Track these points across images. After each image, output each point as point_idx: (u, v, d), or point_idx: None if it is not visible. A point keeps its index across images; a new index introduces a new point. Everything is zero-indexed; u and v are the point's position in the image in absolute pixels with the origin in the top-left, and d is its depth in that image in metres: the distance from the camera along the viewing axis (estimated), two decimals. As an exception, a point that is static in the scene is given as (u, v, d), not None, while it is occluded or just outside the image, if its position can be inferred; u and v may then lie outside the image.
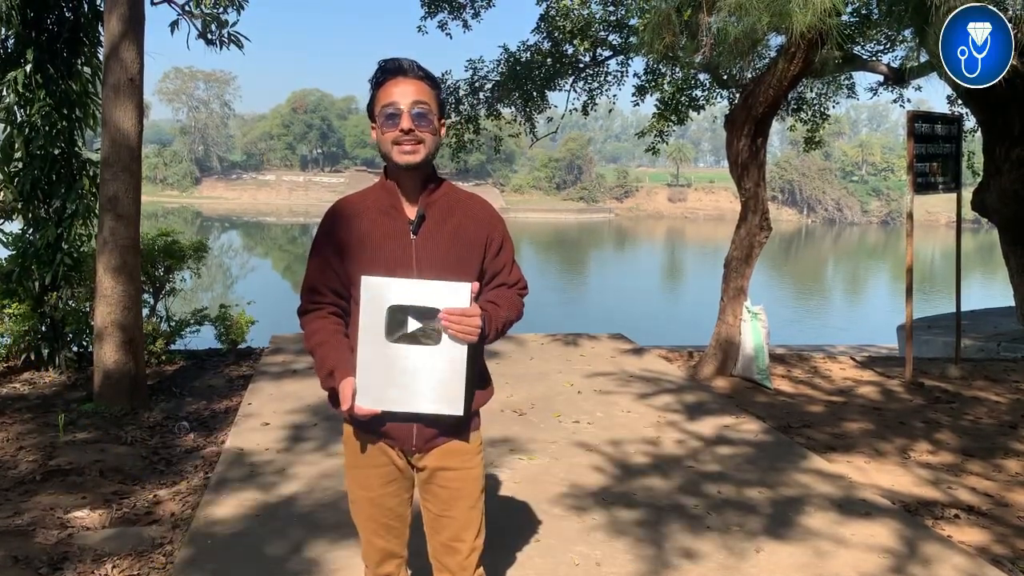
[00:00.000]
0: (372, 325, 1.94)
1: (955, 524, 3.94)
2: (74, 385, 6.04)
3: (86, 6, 6.32)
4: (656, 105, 10.60)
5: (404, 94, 2.01)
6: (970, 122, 9.73)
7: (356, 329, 2.03)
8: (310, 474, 4.31)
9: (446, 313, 1.92)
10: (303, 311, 2.15)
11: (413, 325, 1.94)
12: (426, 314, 1.93)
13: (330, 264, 2.09)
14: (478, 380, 2.14)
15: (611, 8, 10.11)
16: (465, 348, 1.96)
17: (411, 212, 2.07)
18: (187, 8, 6.87)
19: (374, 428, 2.09)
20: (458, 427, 2.13)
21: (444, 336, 1.94)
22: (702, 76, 10.71)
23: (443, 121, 2.12)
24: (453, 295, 1.93)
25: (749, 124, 6.59)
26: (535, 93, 10.88)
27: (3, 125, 6.26)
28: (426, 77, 2.06)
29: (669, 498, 4.11)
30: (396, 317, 1.93)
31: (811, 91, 11.69)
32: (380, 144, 2.05)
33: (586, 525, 3.76)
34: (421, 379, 1.96)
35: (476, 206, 2.15)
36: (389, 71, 2.04)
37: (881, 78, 9.90)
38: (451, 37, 11.45)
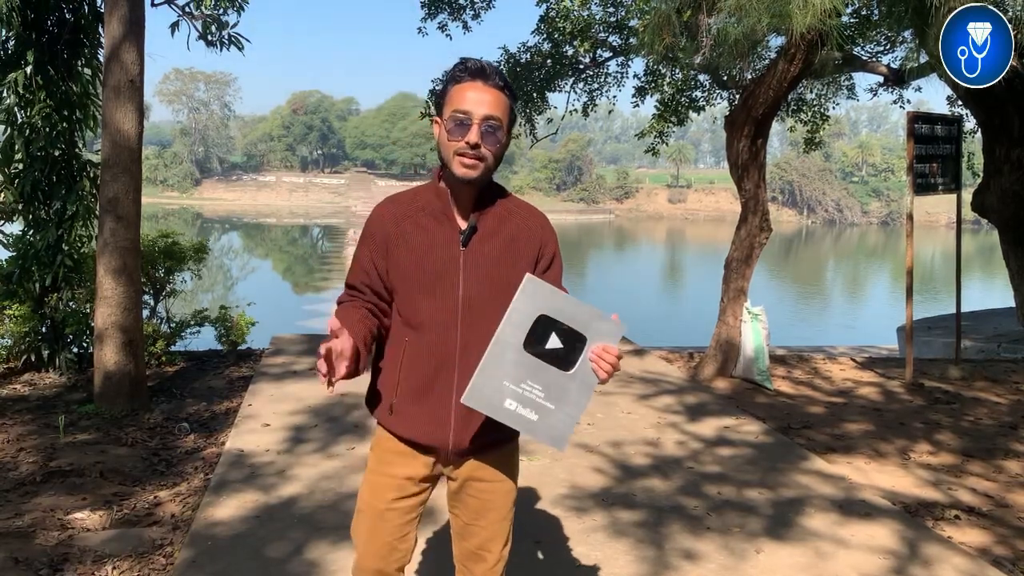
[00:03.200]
0: (514, 327, 1.81)
1: (956, 525, 3.94)
2: (74, 386, 6.03)
3: (86, 8, 6.33)
4: (656, 106, 10.60)
5: (480, 103, 1.90)
6: (970, 123, 9.73)
7: (395, 337, 2.01)
8: (311, 475, 4.31)
9: (603, 350, 1.81)
10: (339, 301, 2.07)
11: (554, 343, 1.82)
12: (572, 337, 1.82)
13: (373, 264, 2.02)
14: None
15: (611, 9, 10.13)
16: (595, 385, 1.84)
17: (462, 221, 1.99)
18: (187, 10, 6.87)
19: (408, 436, 2.03)
20: (497, 437, 2.05)
21: (578, 366, 1.83)
22: (702, 77, 10.72)
23: (512, 134, 2.03)
24: (606, 330, 1.83)
25: (749, 125, 6.60)
26: (535, 94, 10.89)
27: (3, 127, 6.26)
28: (505, 87, 1.96)
29: (669, 499, 4.11)
30: (541, 328, 1.81)
31: (811, 92, 11.69)
32: (441, 146, 1.96)
33: (586, 526, 3.76)
34: (542, 402, 1.83)
35: (530, 216, 2.07)
36: (470, 72, 1.93)
37: (881, 79, 9.90)
38: (451, 38, 11.46)
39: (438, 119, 1.99)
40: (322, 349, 1.73)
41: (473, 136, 1.90)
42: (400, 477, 2.08)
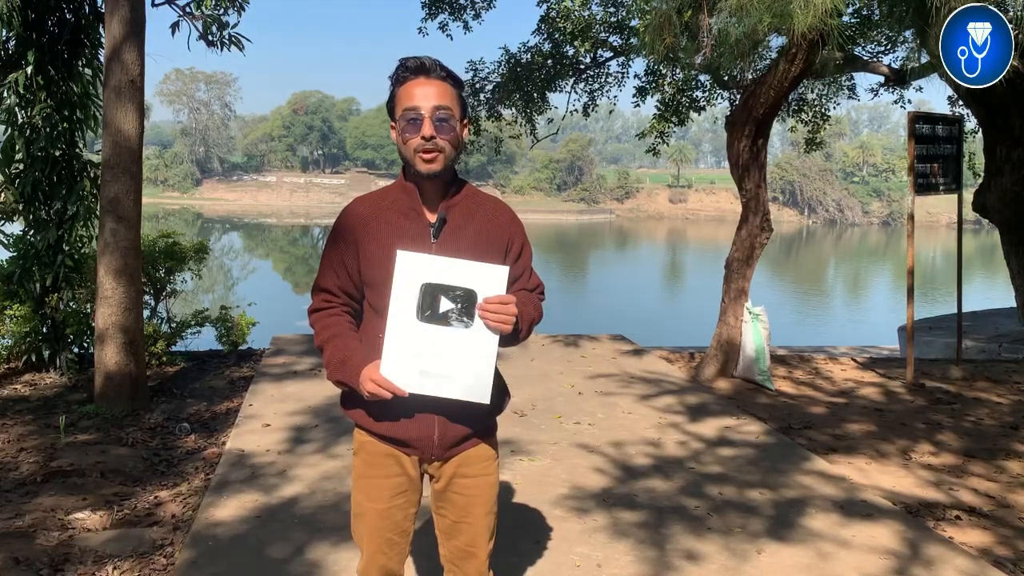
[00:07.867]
0: (403, 302, 1.88)
1: (957, 525, 3.94)
2: (75, 387, 6.04)
3: (87, 8, 6.33)
4: (657, 106, 10.59)
5: (426, 97, 1.95)
6: (971, 123, 9.72)
7: (368, 328, 2.02)
8: (311, 476, 4.31)
9: (485, 301, 1.88)
10: (314, 309, 2.09)
11: (446, 306, 1.89)
12: (460, 296, 1.89)
13: (344, 266, 2.04)
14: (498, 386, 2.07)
15: (611, 9, 10.12)
16: (497, 336, 1.92)
17: (431, 215, 2.03)
18: (188, 10, 6.86)
19: (392, 435, 2.04)
20: (479, 431, 2.09)
21: (476, 321, 1.90)
22: (703, 77, 10.70)
23: (466, 122, 2.06)
24: (490, 278, 1.89)
25: (750, 125, 6.59)
26: (536, 94, 10.89)
27: (4, 127, 6.26)
28: (449, 77, 2.00)
29: (670, 499, 4.10)
30: (429, 296, 1.89)
31: (812, 92, 11.69)
32: (400, 148, 2.00)
33: (587, 526, 3.75)
34: (449, 363, 1.90)
35: (497, 209, 2.11)
36: (411, 70, 1.98)
37: (882, 79, 9.90)
38: (451, 38, 11.45)
39: (394, 124, 2.02)
40: (368, 393, 1.92)
41: (427, 129, 1.94)
42: (392, 476, 2.09)
